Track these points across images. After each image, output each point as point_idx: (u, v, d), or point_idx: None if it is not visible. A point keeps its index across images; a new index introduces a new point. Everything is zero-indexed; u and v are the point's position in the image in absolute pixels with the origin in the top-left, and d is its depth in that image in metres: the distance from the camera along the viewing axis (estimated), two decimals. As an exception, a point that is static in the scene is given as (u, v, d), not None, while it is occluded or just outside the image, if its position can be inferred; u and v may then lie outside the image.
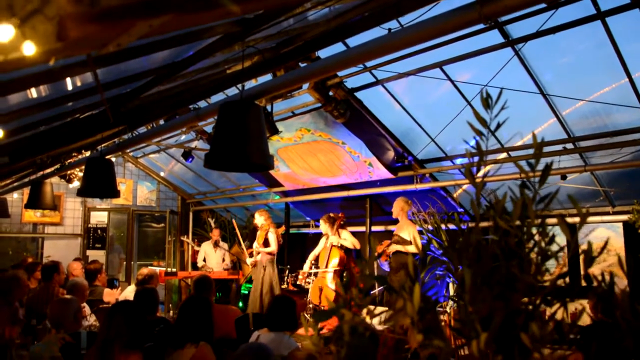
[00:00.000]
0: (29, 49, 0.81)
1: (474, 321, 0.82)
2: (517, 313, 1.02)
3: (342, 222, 8.19)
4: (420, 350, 0.90)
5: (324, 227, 8.19)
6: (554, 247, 1.08)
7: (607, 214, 6.56)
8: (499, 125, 1.28)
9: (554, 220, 1.17)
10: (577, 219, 1.08)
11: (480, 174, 1.25)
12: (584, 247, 1.00)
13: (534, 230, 1.09)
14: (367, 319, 0.96)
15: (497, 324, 0.81)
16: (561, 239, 1.08)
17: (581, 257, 1.07)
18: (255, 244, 8.92)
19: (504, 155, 6.34)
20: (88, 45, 0.97)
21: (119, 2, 0.96)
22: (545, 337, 0.86)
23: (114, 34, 0.93)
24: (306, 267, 8.50)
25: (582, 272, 1.07)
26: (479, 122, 1.26)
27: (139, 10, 0.93)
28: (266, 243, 8.73)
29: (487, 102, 1.28)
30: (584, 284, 1.06)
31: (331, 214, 8.25)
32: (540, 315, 0.96)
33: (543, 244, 1.02)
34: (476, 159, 1.25)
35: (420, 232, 7.07)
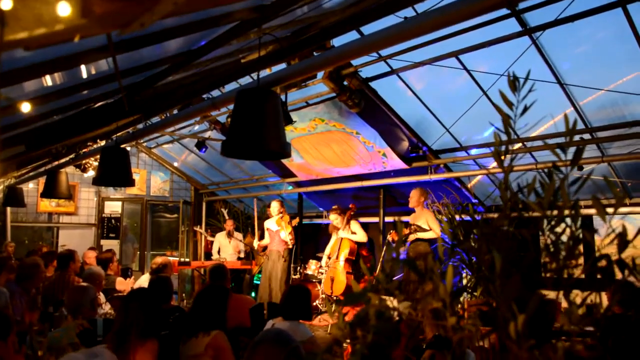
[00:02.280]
0: (55, 23, 0.80)
1: (511, 304, 0.80)
2: (543, 299, 0.99)
3: (352, 214, 8.24)
4: (452, 335, 0.88)
5: (334, 219, 8.26)
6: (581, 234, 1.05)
7: (624, 205, 6.49)
8: (526, 109, 1.26)
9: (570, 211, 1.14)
10: (592, 210, 1.05)
11: (507, 160, 1.23)
12: (617, 232, 0.97)
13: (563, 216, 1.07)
14: (395, 304, 0.94)
15: (534, 305, 0.80)
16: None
17: (598, 245, 1.04)
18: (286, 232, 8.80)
19: (519, 145, 6.27)
20: (112, 23, 0.96)
21: (142, -20, 0.94)
22: (580, 322, 0.84)
23: (138, 11, 0.92)
24: (323, 262, 8.55)
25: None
26: (506, 105, 1.24)
27: (164, -13, 0.91)
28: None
29: (514, 85, 1.25)
30: (617, 273, 1.03)
31: (335, 206, 8.33)
32: (572, 301, 0.93)
33: (574, 229, 0.99)
34: (498, 146, 1.23)
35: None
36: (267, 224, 9.02)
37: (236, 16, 2.64)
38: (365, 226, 8.50)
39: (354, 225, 8.22)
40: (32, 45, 0.89)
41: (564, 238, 1.05)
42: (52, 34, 0.87)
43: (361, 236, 8.11)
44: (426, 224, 6.80)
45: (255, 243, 9.27)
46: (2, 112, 2.87)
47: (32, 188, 10.78)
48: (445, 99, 6.48)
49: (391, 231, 7.48)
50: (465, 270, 6.87)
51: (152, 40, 2.50)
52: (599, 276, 0.98)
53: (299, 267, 9.30)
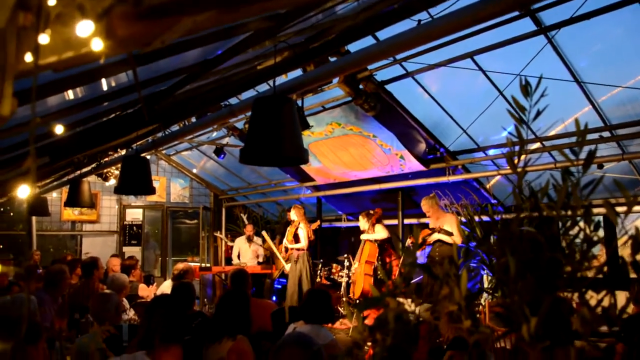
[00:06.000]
0: (81, 46, 0.84)
1: (523, 306, 0.82)
2: (560, 300, 1.01)
3: (377, 217, 8.21)
4: (467, 337, 0.91)
5: (362, 223, 8.25)
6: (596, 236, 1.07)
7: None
8: (538, 113, 1.27)
9: (594, 210, 1.15)
10: (617, 209, 1.06)
11: (521, 162, 1.25)
12: (631, 232, 0.99)
13: (577, 218, 1.08)
14: (412, 307, 0.97)
15: (546, 307, 0.82)
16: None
17: (620, 246, 1.05)
18: (284, 240, 9.02)
19: (537, 145, 6.24)
20: (135, 43, 1.00)
21: (162, 0, 0.99)
22: (595, 322, 0.85)
23: (159, 31, 0.96)
24: (353, 267, 8.57)
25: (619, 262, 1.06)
26: (519, 110, 1.25)
27: (184, 7, 0.95)
28: (297, 238, 8.81)
29: (526, 89, 1.27)
30: (632, 274, 1.04)
31: (370, 211, 8.30)
32: (586, 302, 0.95)
33: (588, 231, 1.01)
34: (515, 148, 1.24)
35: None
36: None
37: (251, 26, 2.68)
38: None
39: (378, 228, 8.20)
40: (60, 67, 0.94)
41: (579, 240, 1.07)
42: (79, 56, 0.91)
43: (378, 234, 8.09)
44: (451, 228, 6.77)
45: (284, 241, 9.24)
46: (28, 128, 2.96)
47: (55, 197, 10.98)
48: (462, 100, 6.47)
49: (410, 236, 7.50)
50: (485, 271, 6.84)
51: (170, 52, 2.56)
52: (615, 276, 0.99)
53: (319, 271, 9.33)
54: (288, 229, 9.09)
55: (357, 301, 8.06)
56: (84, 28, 0.80)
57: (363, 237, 8.25)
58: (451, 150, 7.12)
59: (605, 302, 0.99)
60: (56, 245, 11.28)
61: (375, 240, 8.18)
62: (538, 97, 1.28)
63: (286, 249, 9.14)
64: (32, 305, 3.61)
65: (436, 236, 6.85)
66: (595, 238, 1.00)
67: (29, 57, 0.76)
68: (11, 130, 2.99)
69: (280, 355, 2.16)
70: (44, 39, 0.74)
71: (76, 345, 3.06)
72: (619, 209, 1.07)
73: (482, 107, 5.94)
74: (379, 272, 7.95)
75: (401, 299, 1.06)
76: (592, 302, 0.99)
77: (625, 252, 1.06)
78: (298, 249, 8.72)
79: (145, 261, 11.91)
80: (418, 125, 6.77)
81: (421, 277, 6.57)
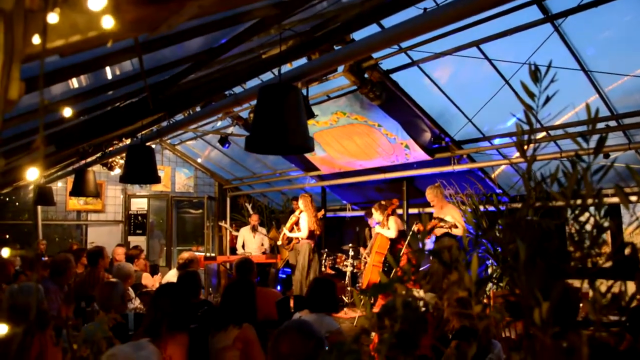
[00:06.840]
0: (89, 30, 0.84)
1: (535, 289, 0.82)
2: (568, 289, 1.01)
3: (393, 209, 8.09)
4: (477, 323, 0.90)
5: (376, 215, 8.15)
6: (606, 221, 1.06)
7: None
8: (547, 99, 1.26)
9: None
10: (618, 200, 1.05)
11: (530, 150, 1.24)
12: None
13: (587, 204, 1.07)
14: (421, 294, 0.96)
15: (558, 292, 0.81)
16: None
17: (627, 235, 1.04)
18: (283, 228, 9.02)
19: (543, 134, 6.20)
20: (142, 27, 1.00)
21: (169, -16, 0.98)
22: (605, 310, 0.85)
23: (166, 15, 0.95)
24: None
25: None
26: (528, 96, 1.24)
27: (191, -9, 0.95)
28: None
29: (535, 75, 1.26)
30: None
31: (382, 202, 8.17)
32: (597, 289, 0.95)
33: (598, 217, 1.00)
34: (521, 136, 1.23)
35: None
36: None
37: (256, 13, 2.67)
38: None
39: (390, 221, 8.10)
40: (67, 52, 0.93)
41: (589, 227, 1.06)
42: (86, 40, 0.90)
43: (390, 232, 8.00)
44: (452, 219, 6.75)
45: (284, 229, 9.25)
46: (35, 114, 2.96)
47: (60, 187, 11.01)
48: (467, 89, 6.44)
49: (417, 222, 7.47)
50: (490, 261, 6.84)
51: (175, 39, 2.55)
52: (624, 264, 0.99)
53: (323, 260, 9.34)
54: (291, 216, 9.09)
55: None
56: (95, 2, 0.79)
57: (376, 230, 8.18)
58: (456, 139, 7.10)
59: (615, 291, 0.98)
60: (62, 234, 11.33)
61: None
62: (547, 83, 1.27)
63: (289, 240, 9.14)
64: (40, 294, 3.63)
65: (442, 230, 6.80)
66: (606, 224, 0.99)
67: (36, 40, 0.75)
68: (18, 117, 2.99)
69: (281, 341, 2.17)
70: (52, 17, 0.73)
71: (83, 333, 3.07)
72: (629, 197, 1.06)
73: (488, 96, 5.91)
74: (385, 263, 7.91)
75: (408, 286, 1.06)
76: (602, 289, 0.99)
77: (634, 240, 1.05)
78: (297, 238, 8.73)
79: (150, 250, 11.96)
80: (423, 115, 6.74)
81: (428, 265, 6.57)
